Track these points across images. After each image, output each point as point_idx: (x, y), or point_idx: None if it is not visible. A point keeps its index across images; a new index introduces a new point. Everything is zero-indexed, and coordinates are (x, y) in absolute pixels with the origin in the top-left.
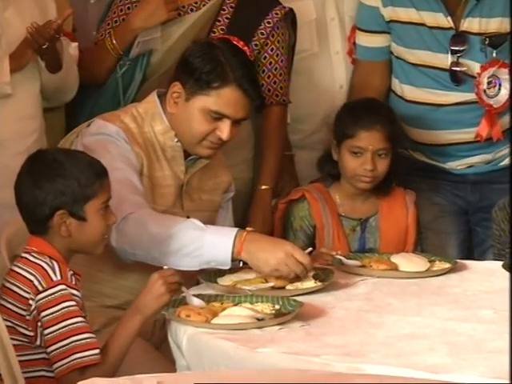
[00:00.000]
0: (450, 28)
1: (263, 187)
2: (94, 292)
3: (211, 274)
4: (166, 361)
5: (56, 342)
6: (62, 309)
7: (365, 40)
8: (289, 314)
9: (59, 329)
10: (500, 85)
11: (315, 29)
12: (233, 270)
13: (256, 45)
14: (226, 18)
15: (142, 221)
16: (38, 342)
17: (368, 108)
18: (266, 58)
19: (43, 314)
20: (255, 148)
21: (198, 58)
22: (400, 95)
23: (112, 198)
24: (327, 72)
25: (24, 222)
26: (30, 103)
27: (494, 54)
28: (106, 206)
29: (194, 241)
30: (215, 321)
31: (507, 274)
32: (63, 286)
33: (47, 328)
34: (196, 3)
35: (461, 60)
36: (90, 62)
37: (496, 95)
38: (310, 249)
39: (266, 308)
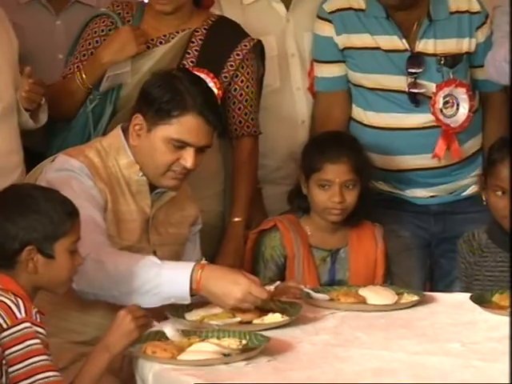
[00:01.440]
0: (406, 50)
1: (236, 219)
2: (61, 328)
3: (179, 309)
4: None
5: (20, 381)
6: (26, 347)
7: (322, 71)
8: (255, 349)
9: (24, 367)
10: (458, 104)
11: (277, 64)
12: (200, 304)
13: (226, 77)
14: (196, 51)
15: (100, 261)
16: (3, 380)
17: (333, 141)
18: (236, 89)
19: (7, 352)
20: (225, 181)
21: (157, 88)
22: (361, 122)
23: None
24: (289, 107)
25: None
26: (13, 138)
27: (451, 74)
28: (74, 247)
29: (152, 279)
30: (181, 357)
31: (475, 306)
32: (28, 324)
33: (12, 366)
34: (165, 36)
35: (418, 81)
36: (59, 96)
37: (454, 115)
38: (278, 282)
39: (232, 343)
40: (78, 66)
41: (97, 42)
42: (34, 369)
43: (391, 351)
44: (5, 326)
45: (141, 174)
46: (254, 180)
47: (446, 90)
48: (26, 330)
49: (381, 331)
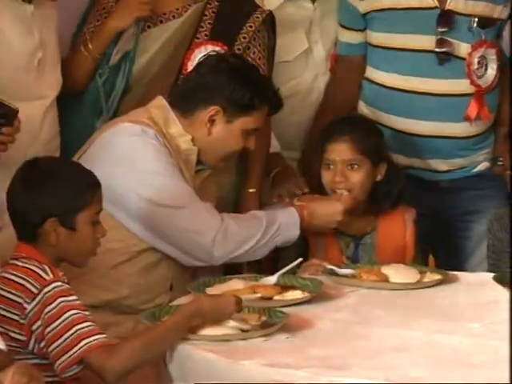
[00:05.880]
0: (436, 7)
1: (251, 190)
2: None
3: (200, 285)
4: (152, 371)
5: (60, 337)
6: (60, 303)
7: (345, 36)
8: (274, 325)
9: (61, 322)
10: (487, 65)
11: (305, 56)
12: (222, 279)
13: (239, 49)
14: (209, 24)
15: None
16: (30, 348)
17: (340, 121)
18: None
19: (42, 315)
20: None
21: (235, 82)
22: (380, 83)
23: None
24: (315, 93)
25: (14, 228)
26: (57, 123)
27: (483, 35)
28: (96, 219)
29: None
30: (200, 332)
31: (498, 286)
32: (58, 283)
33: (48, 326)
34: (177, 9)
35: (447, 38)
36: (67, 69)
37: (483, 75)
38: (301, 259)
39: (252, 319)
40: (84, 40)
41: (104, 17)
42: (72, 321)
43: (410, 330)
44: (35, 290)
45: (192, 143)
46: (267, 152)
47: (480, 51)
48: (56, 289)
49: (401, 310)
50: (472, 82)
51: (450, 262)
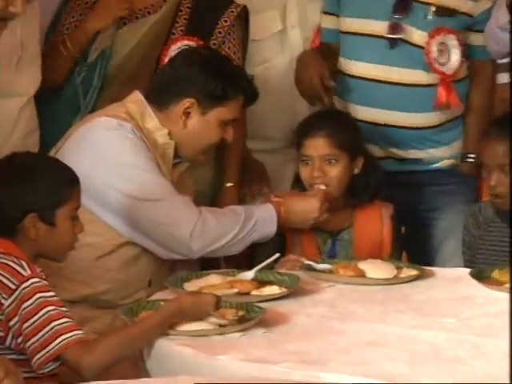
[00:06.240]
0: None
1: (228, 185)
2: None
3: (178, 280)
4: (130, 366)
5: (37, 333)
6: (38, 299)
7: (324, 22)
8: (251, 320)
9: (39, 318)
10: (449, 51)
11: (279, 38)
12: (200, 275)
13: (214, 44)
14: (184, 19)
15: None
16: (7, 343)
17: (316, 116)
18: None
19: (22, 307)
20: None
21: (208, 74)
22: (342, 71)
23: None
24: (290, 79)
25: None
26: (34, 118)
27: (440, 23)
28: (75, 214)
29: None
30: (178, 327)
31: (473, 281)
32: (36, 279)
33: (26, 322)
34: (152, 6)
35: (402, 25)
36: (45, 67)
37: (447, 62)
38: (278, 254)
39: (229, 314)
40: (62, 39)
41: (80, 14)
42: (50, 317)
43: (386, 325)
44: (12, 286)
45: (169, 137)
46: (244, 146)
47: (438, 38)
48: (34, 285)
49: (378, 305)
50: (435, 71)
51: (418, 259)
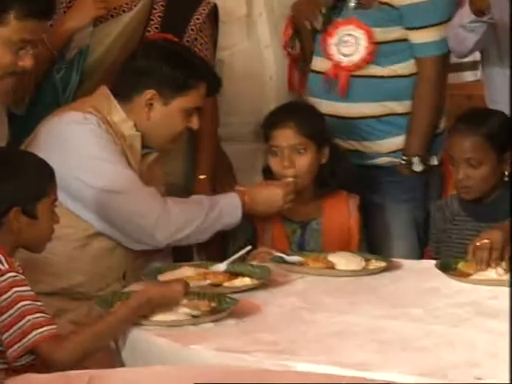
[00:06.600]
0: None
1: (201, 177)
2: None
3: (152, 272)
4: (106, 355)
5: (11, 327)
6: (14, 293)
7: None
8: (224, 311)
9: (13, 312)
10: (357, 45)
11: (245, 23)
12: (173, 266)
13: (188, 41)
14: (159, 17)
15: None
16: None
17: (282, 108)
18: (195, 52)
19: None
20: (189, 142)
21: (167, 63)
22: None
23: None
24: (257, 64)
25: None
26: None
27: (355, 15)
28: (53, 206)
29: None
30: (152, 317)
31: (439, 273)
32: (13, 273)
33: (1, 315)
34: (127, 4)
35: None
36: None
37: (351, 55)
38: (249, 247)
39: (202, 305)
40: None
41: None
42: (25, 311)
43: (355, 315)
44: None
45: (134, 129)
46: (216, 138)
47: (344, 29)
48: (11, 280)
49: (347, 296)
50: (328, 55)
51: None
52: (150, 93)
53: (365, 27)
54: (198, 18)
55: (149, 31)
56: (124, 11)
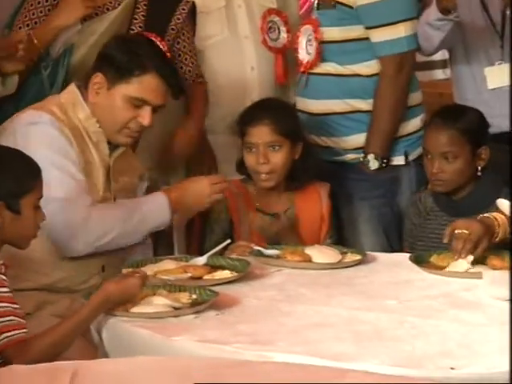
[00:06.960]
0: None
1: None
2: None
3: (132, 265)
4: (90, 347)
5: None
6: None
7: None
8: (204, 303)
9: None
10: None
11: (224, 15)
12: (154, 260)
13: (169, 40)
14: (142, 16)
15: (89, 218)
16: None
17: (258, 105)
18: (179, 42)
19: None
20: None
21: (118, 49)
22: None
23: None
24: (237, 55)
25: None
26: None
27: (317, 15)
28: (38, 203)
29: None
30: (134, 309)
31: (413, 266)
32: None
33: None
34: (111, 2)
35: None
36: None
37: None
38: (229, 241)
39: (183, 297)
40: (29, 34)
41: (41, 11)
42: None
43: (332, 307)
44: None
45: (98, 125)
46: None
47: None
48: None
49: (324, 288)
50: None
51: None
52: (97, 76)
53: (316, 28)
54: (178, 18)
55: (132, 30)
56: (108, 9)
